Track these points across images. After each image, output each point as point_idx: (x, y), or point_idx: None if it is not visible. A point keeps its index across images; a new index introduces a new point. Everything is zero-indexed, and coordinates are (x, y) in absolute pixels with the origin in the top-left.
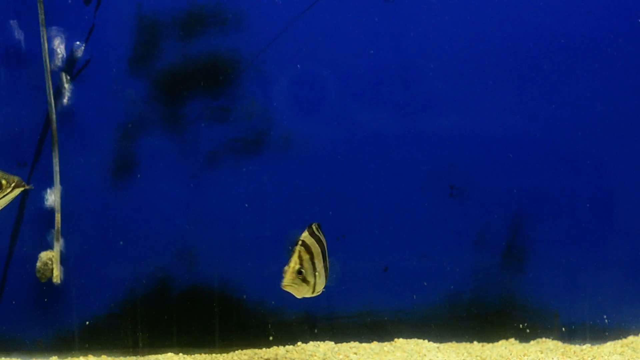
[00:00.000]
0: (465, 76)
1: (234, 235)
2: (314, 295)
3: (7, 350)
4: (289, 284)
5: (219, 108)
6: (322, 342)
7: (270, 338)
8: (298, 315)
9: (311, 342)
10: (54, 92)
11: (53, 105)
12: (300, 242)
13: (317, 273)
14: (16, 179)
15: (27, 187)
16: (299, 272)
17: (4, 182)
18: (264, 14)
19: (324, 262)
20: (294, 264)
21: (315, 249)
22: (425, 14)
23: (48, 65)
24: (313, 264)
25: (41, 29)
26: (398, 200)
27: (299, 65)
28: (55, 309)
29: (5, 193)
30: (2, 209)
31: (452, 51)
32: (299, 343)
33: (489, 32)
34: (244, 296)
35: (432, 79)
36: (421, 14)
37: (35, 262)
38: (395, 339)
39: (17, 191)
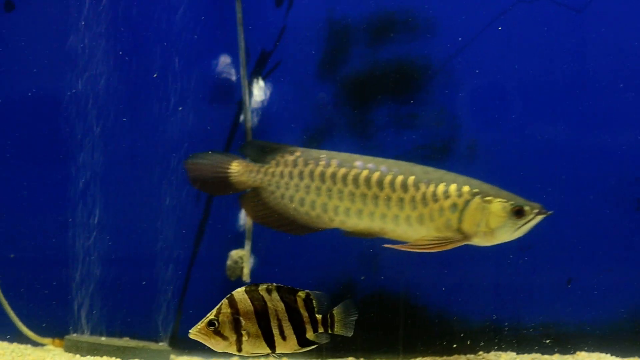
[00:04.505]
0: None
1: None
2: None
3: (189, 349)
4: (193, 332)
5: (407, 114)
6: (503, 352)
7: (454, 346)
8: (482, 325)
9: (492, 352)
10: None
11: (248, 106)
12: (227, 296)
13: (244, 332)
14: (538, 205)
15: (548, 213)
16: (211, 323)
17: (527, 208)
18: (454, 20)
19: (265, 324)
20: (209, 314)
21: (245, 306)
22: (612, 26)
23: (244, 65)
24: (236, 320)
25: (238, 28)
26: (583, 213)
27: (486, 73)
28: None
29: (528, 219)
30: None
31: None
32: (481, 352)
33: None
34: (429, 303)
35: (620, 91)
36: (608, 25)
37: (219, 262)
38: (578, 352)
39: (539, 218)
